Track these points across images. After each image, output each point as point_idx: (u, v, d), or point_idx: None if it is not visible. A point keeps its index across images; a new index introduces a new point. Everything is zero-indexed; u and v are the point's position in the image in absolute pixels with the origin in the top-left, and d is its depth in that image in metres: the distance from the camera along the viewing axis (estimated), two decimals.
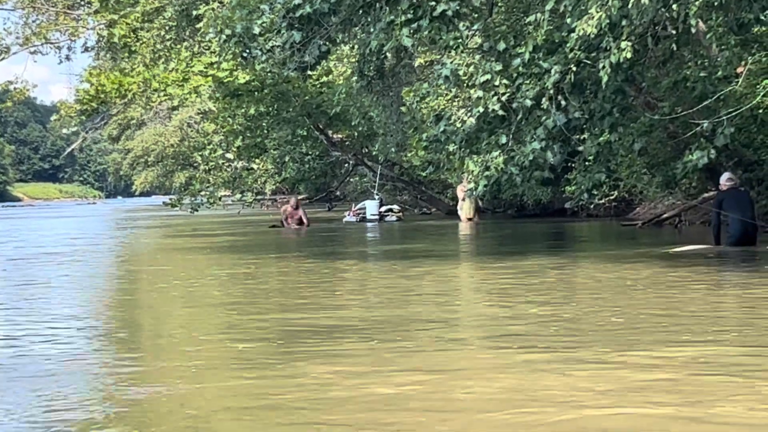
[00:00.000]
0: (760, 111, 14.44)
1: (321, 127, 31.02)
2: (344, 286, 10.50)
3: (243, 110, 28.97)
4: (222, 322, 7.78)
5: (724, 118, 12.00)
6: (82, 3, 28.83)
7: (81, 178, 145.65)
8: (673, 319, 6.96)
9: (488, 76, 12.58)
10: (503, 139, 12.79)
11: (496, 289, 9.63)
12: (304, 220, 25.38)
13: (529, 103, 12.33)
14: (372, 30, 13.74)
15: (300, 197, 36.93)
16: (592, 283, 9.76)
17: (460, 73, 12.89)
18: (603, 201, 23.94)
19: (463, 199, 27.17)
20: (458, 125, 13.14)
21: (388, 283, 10.53)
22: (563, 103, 12.12)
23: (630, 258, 12.24)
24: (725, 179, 13.40)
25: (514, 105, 12.55)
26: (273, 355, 5.97)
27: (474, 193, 14.18)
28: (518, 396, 4.66)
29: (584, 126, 12.64)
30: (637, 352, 5.65)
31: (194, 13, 23.32)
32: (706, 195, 18.18)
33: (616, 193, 23.23)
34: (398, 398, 4.72)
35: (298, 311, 8.22)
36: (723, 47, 12.80)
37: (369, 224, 27.33)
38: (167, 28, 25.92)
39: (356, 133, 30.53)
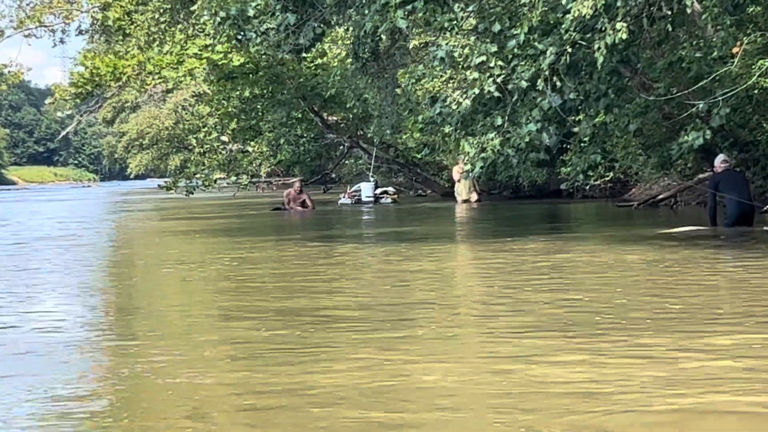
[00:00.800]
0: (756, 91, 14.43)
1: (316, 109, 30.98)
2: (355, 271, 10.26)
3: (238, 93, 28.94)
4: (237, 308, 7.61)
5: (720, 98, 11.99)
6: None
7: (76, 162, 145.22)
8: (729, 305, 6.76)
9: (483, 58, 12.55)
10: (499, 121, 12.78)
11: (520, 272, 9.21)
12: (308, 203, 24.72)
13: (524, 84, 12.30)
14: (366, 12, 13.71)
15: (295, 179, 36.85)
16: (617, 266, 9.39)
17: (455, 54, 12.85)
18: (598, 182, 23.94)
19: (459, 181, 27.20)
20: (454, 107, 13.12)
21: (400, 268, 10.24)
22: (558, 84, 12.11)
23: (636, 240, 12.07)
24: (720, 161, 13.41)
25: (510, 86, 12.53)
26: (300, 343, 5.71)
27: (471, 174, 14.18)
28: (587, 385, 4.38)
29: (579, 107, 12.63)
30: (708, 338, 5.38)
31: None
32: (701, 176, 18.19)
33: (611, 174, 23.21)
34: (448, 389, 4.46)
35: (314, 297, 7.95)
36: (718, 27, 12.77)
37: (364, 206, 27.33)
38: (161, 10, 25.87)
39: (351, 116, 30.51)
